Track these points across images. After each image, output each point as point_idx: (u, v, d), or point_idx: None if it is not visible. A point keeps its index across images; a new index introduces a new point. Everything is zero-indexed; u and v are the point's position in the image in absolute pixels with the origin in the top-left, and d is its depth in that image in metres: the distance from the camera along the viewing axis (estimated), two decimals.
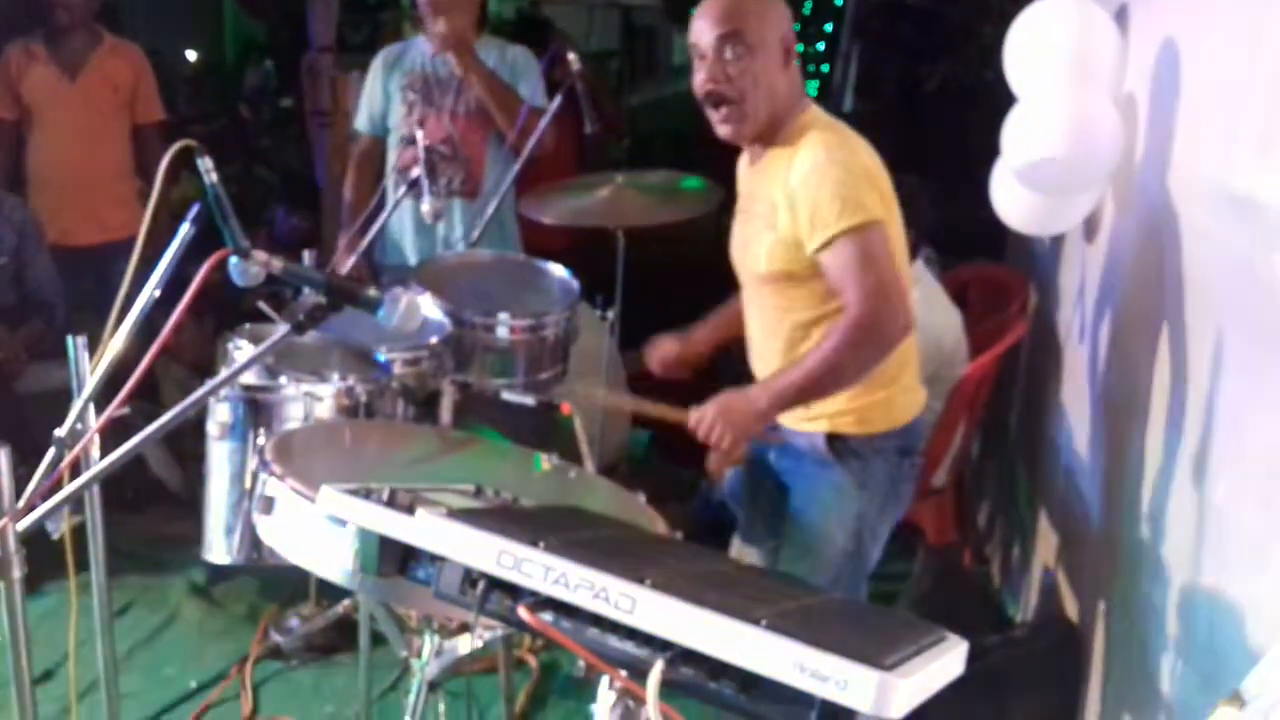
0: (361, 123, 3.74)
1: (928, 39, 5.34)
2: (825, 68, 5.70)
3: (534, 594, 1.26)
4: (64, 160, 4.01)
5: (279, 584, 3.39)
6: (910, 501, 2.45)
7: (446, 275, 3.08)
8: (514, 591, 1.29)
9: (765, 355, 2.37)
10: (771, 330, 2.32)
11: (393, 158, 3.63)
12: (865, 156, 2.22)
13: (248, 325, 2.68)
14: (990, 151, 2.87)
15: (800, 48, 2.36)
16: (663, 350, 2.65)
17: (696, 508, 3.65)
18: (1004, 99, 2.81)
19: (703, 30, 2.19)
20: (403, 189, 3.19)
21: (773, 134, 2.24)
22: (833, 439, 2.31)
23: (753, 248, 2.28)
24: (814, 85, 5.78)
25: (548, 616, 1.26)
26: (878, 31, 5.52)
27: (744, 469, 2.59)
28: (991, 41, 3.48)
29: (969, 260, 4.29)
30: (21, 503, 1.71)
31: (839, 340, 2.10)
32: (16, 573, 1.70)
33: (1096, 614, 2.50)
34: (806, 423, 2.33)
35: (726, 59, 2.15)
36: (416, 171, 3.04)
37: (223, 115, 6.50)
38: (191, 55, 6.88)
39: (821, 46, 5.68)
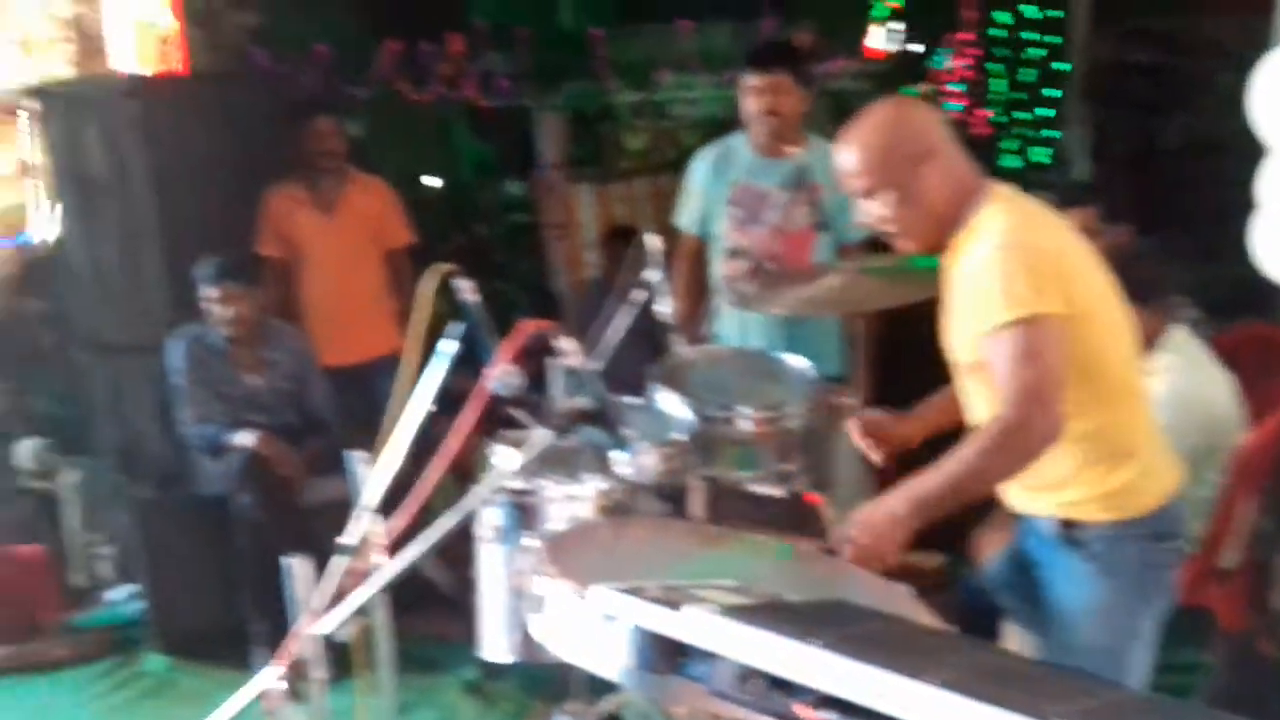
0: (685, 223, 3.76)
1: (1161, 93, 5.14)
2: (1057, 134, 5.52)
3: (812, 692, 1.26)
4: (328, 290, 4.41)
5: (548, 682, 3.47)
6: (1175, 592, 2.25)
7: (686, 371, 3.14)
8: (790, 689, 1.29)
9: None
10: (985, 416, 2.22)
11: (719, 267, 3.62)
12: (1049, 238, 2.10)
13: (506, 432, 2.81)
14: (1245, 204, 2.72)
15: (1028, 116, 2.32)
16: (873, 421, 2.59)
17: (960, 596, 3.51)
18: (1252, 149, 2.67)
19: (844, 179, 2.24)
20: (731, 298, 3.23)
21: (955, 228, 2.17)
22: (1067, 525, 2.18)
23: (953, 337, 2.23)
24: (1045, 153, 5.58)
25: (828, 716, 1.26)
26: (1107, 91, 5.35)
27: (1006, 553, 2.48)
28: (1231, 91, 3.31)
29: (1237, 320, 4.03)
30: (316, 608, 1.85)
31: (982, 445, 2.02)
32: (319, 674, 1.84)
33: None
34: (1036, 503, 2.23)
35: (872, 206, 2.20)
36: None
37: (460, 235, 6.92)
38: (431, 181, 7.38)
39: (1052, 113, 5.49)
